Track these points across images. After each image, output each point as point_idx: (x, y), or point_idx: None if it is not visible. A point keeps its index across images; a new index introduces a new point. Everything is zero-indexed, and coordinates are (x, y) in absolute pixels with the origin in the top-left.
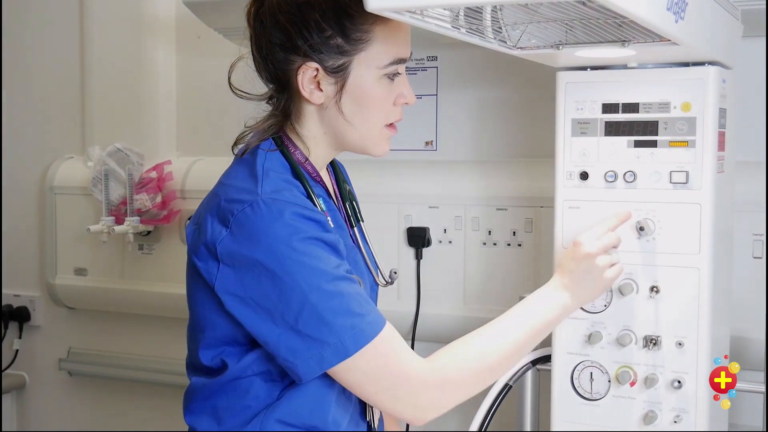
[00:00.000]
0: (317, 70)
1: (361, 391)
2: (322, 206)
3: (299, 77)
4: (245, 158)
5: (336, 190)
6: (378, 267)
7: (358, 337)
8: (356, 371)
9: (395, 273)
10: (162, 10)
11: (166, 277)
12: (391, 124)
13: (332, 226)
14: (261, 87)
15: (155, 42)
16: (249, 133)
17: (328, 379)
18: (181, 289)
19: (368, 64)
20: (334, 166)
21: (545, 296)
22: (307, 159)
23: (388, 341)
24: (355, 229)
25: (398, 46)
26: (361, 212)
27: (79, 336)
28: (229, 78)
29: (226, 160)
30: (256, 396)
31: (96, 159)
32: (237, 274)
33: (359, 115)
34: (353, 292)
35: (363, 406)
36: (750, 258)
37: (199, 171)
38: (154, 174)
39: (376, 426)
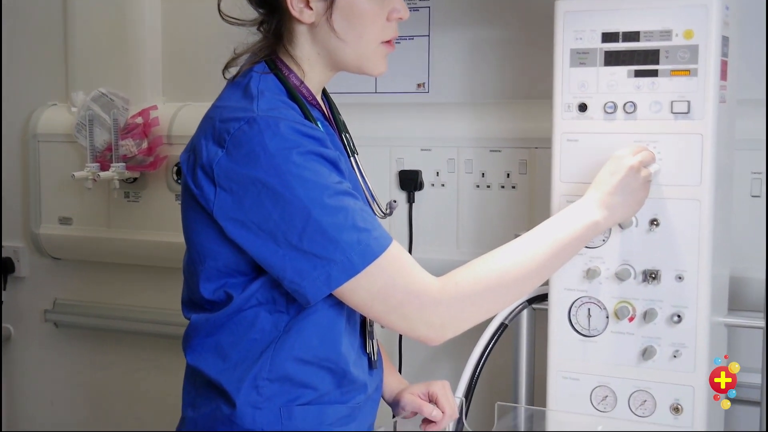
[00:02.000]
0: None
1: (370, 310)
2: (320, 129)
3: (290, 2)
4: (238, 81)
5: (331, 118)
6: (375, 198)
7: (366, 253)
8: (364, 290)
9: (395, 202)
10: None
11: (153, 225)
12: (388, 42)
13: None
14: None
15: None
16: (241, 57)
17: (335, 306)
18: (168, 237)
19: None
20: (328, 97)
21: (576, 211)
22: (302, 82)
23: (396, 257)
24: (353, 158)
25: None
26: (355, 145)
27: (65, 287)
28: (219, 5)
29: None
30: (262, 329)
31: (80, 104)
32: (236, 197)
33: (352, 31)
34: (357, 208)
35: (363, 339)
36: (748, 197)
37: (186, 116)
38: (139, 119)
39: (375, 359)
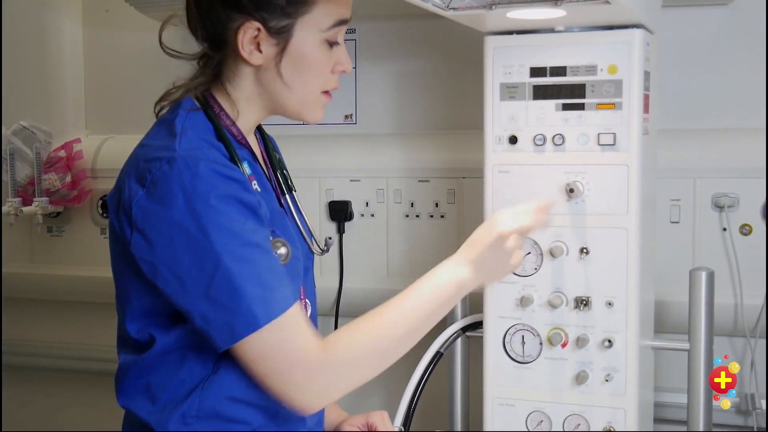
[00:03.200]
0: (259, 30)
1: (255, 370)
2: (247, 170)
3: (239, 36)
4: (164, 118)
5: (265, 156)
6: (312, 235)
7: (269, 309)
8: (256, 347)
9: (330, 239)
10: None
11: (78, 259)
12: (327, 92)
13: (258, 189)
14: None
15: (60, 16)
16: (174, 92)
17: None
18: (93, 271)
19: (311, 27)
20: (263, 134)
21: (445, 272)
22: (233, 122)
23: (295, 321)
24: (287, 197)
25: (341, 8)
26: (292, 181)
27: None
28: (160, 37)
29: (139, 138)
30: (190, 369)
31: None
32: (149, 238)
33: (298, 79)
34: (266, 261)
35: None
36: (668, 223)
37: (111, 149)
38: (62, 153)
39: None
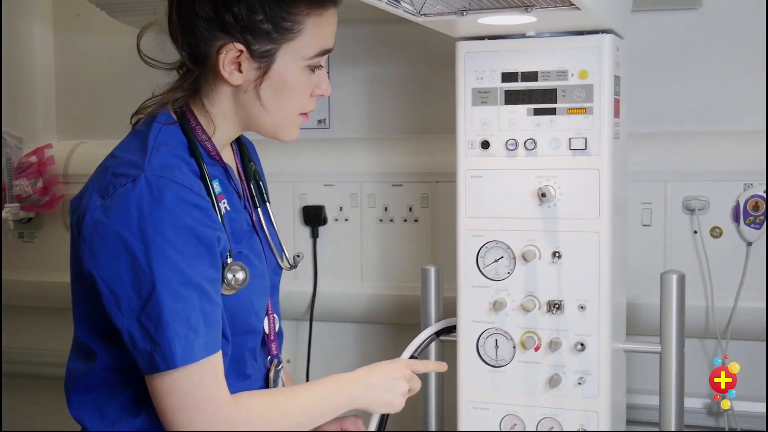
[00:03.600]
0: (241, 52)
1: (161, 404)
2: (216, 189)
3: (221, 56)
4: (139, 130)
5: (240, 168)
6: (282, 250)
7: (188, 352)
8: (169, 383)
9: (299, 256)
10: None
11: (50, 265)
12: (304, 113)
13: (224, 210)
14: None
15: (30, 21)
16: (151, 103)
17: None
18: (65, 277)
19: (294, 54)
20: (240, 144)
21: (342, 385)
22: (209, 138)
23: (213, 369)
24: (259, 210)
25: (327, 38)
26: (268, 193)
27: None
28: (138, 45)
29: (111, 143)
30: (138, 388)
31: None
32: (94, 249)
33: (277, 102)
34: (199, 304)
35: (266, 382)
36: (639, 226)
37: (83, 155)
38: (34, 158)
39: None
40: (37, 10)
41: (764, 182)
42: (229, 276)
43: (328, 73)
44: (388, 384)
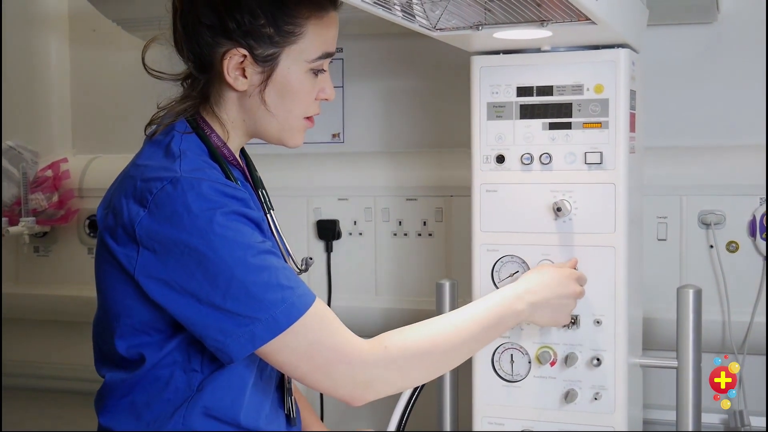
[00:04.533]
0: (245, 56)
1: (295, 370)
2: (242, 189)
3: (225, 62)
4: (158, 139)
5: (248, 176)
6: (291, 254)
7: (290, 311)
8: (289, 348)
9: (311, 260)
10: (54, 2)
11: (65, 279)
12: (309, 118)
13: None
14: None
15: (47, 36)
16: (162, 114)
17: (247, 366)
18: (80, 291)
19: (297, 57)
20: (245, 155)
21: (506, 300)
22: (224, 143)
23: (322, 315)
24: (269, 216)
25: (328, 41)
26: (271, 201)
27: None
28: (143, 57)
29: (126, 157)
30: (176, 388)
31: None
32: (159, 257)
33: (281, 106)
34: (280, 266)
35: (281, 394)
36: (655, 240)
37: (98, 168)
38: (49, 173)
39: (294, 415)
40: (54, 25)
41: None
42: None
43: (341, 88)
44: (558, 302)
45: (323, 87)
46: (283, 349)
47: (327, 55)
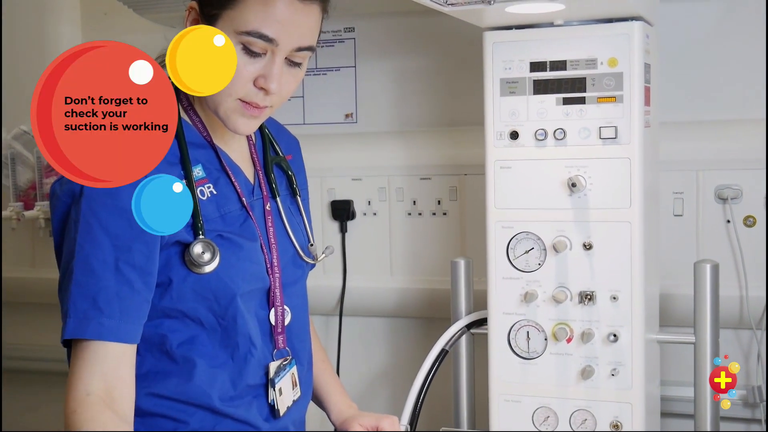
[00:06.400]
0: (196, 12)
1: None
2: (200, 173)
3: (185, 18)
4: None
5: (257, 157)
6: (310, 241)
7: (80, 326)
8: (73, 352)
9: (328, 248)
10: None
11: None
12: (247, 103)
13: (209, 195)
14: None
15: (59, 19)
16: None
17: (220, 348)
18: None
19: (229, 25)
20: (262, 134)
21: None
22: (201, 119)
23: (91, 355)
24: (278, 200)
25: (266, 21)
26: (299, 186)
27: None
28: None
29: None
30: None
31: (2, 143)
32: (52, 219)
33: None
34: (115, 289)
35: (266, 385)
36: (671, 216)
37: None
38: None
39: (278, 408)
40: (65, 9)
41: None
42: (195, 251)
43: (354, 67)
44: None
45: (264, 74)
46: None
47: (260, 36)
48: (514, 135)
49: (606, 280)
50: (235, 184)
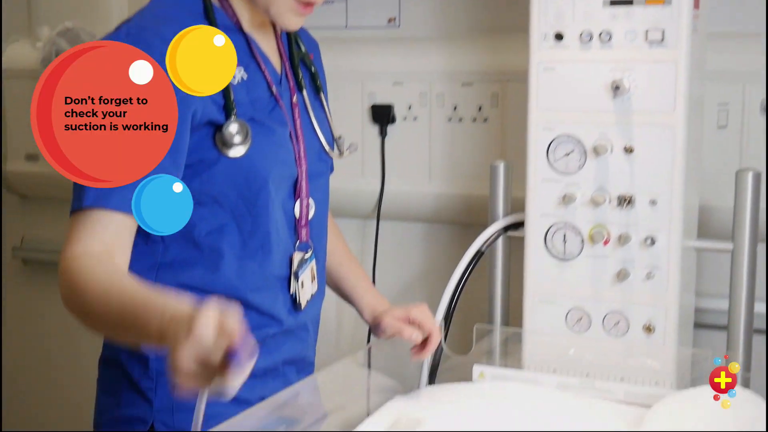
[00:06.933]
0: None
1: None
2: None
3: None
4: None
5: (284, 52)
6: (333, 137)
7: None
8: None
9: (353, 146)
10: None
11: None
12: (306, 3)
13: (239, 80)
14: None
15: None
16: None
17: (233, 234)
18: None
19: None
20: (289, 34)
21: (157, 309)
22: (231, 6)
23: (92, 220)
24: (303, 93)
25: None
26: (323, 85)
27: (33, 224)
28: None
29: None
30: (140, 257)
31: (45, 39)
32: None
33: None
34: None
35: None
36: (715, 128)
37: None
38: None
39: (299, 301)
40: None
41: None
42: (230, 130)
43: None
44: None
45: None
46: None
47: None
48: (559, 36)
49: (646, 185)
50: (265, 71)
